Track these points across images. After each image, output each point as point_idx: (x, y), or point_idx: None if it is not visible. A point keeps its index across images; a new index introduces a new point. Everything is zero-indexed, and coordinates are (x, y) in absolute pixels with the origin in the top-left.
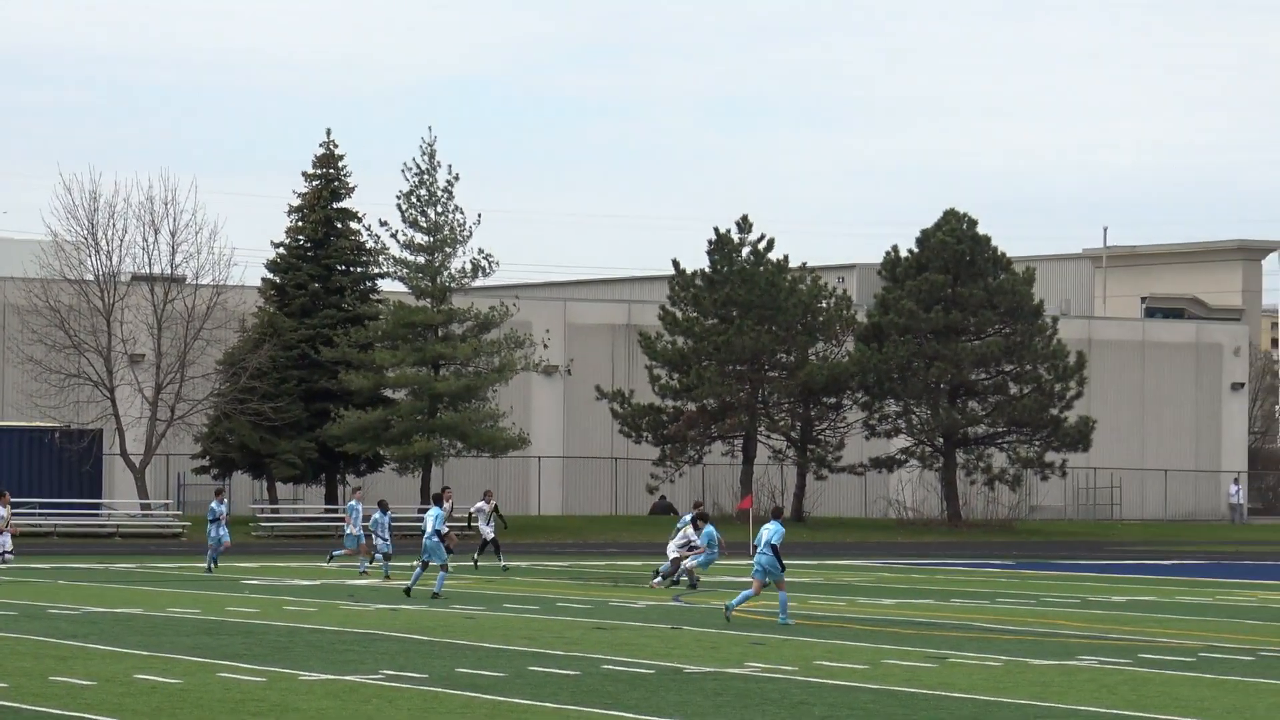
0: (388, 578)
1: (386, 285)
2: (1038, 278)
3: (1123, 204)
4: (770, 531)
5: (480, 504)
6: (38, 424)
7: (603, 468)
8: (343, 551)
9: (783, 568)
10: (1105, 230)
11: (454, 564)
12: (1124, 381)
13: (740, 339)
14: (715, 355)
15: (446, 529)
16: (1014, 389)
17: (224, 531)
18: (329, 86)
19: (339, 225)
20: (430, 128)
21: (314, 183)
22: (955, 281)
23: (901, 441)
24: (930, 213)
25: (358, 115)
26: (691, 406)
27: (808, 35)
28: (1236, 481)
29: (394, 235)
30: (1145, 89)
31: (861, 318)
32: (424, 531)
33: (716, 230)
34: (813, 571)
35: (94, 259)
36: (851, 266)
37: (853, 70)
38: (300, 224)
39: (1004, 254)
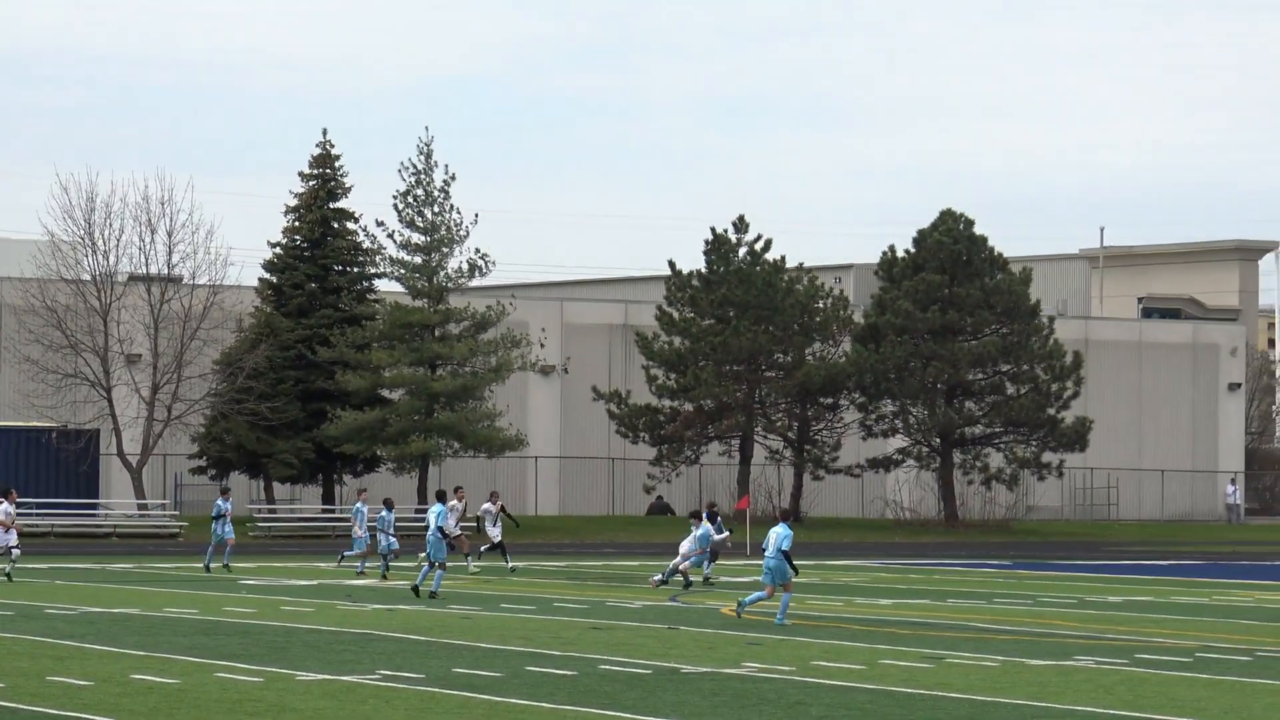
0: (385, 577)
1: (383, 285)
2: (1035, 278)
3: (1121, 204)
4: (779, 536)
5: (487, 505)
6: (35, 424)
7: (600, 468)
8: (352, 553)
9: (795, 571)
10: (1102, 230)
11: (452, 564)
12: (1121, 382)
13: (737, 339)
14: (712, 356)
15: (459, 532)
16: (1011, 389)
17: (229, 530)
18: (327, 86)
19: (336, 225)
20: (427, 127)
21: (311, 183)
22: (952, 282)
23: (898, 442)
24: (930, 213)
25: (357, 115)
26: (688, 407)
27: (808, 35)
28: (1233, 482)
29: (391, 235)
30: (1145, 89)
31: (858, 318)
32: (428, 526)
33: (713, 230)
34: (810, 572)
35: (91, 259)
36: (848, 267)
37: (853, 70)
38: (297, 224)
39: (1001, 254)
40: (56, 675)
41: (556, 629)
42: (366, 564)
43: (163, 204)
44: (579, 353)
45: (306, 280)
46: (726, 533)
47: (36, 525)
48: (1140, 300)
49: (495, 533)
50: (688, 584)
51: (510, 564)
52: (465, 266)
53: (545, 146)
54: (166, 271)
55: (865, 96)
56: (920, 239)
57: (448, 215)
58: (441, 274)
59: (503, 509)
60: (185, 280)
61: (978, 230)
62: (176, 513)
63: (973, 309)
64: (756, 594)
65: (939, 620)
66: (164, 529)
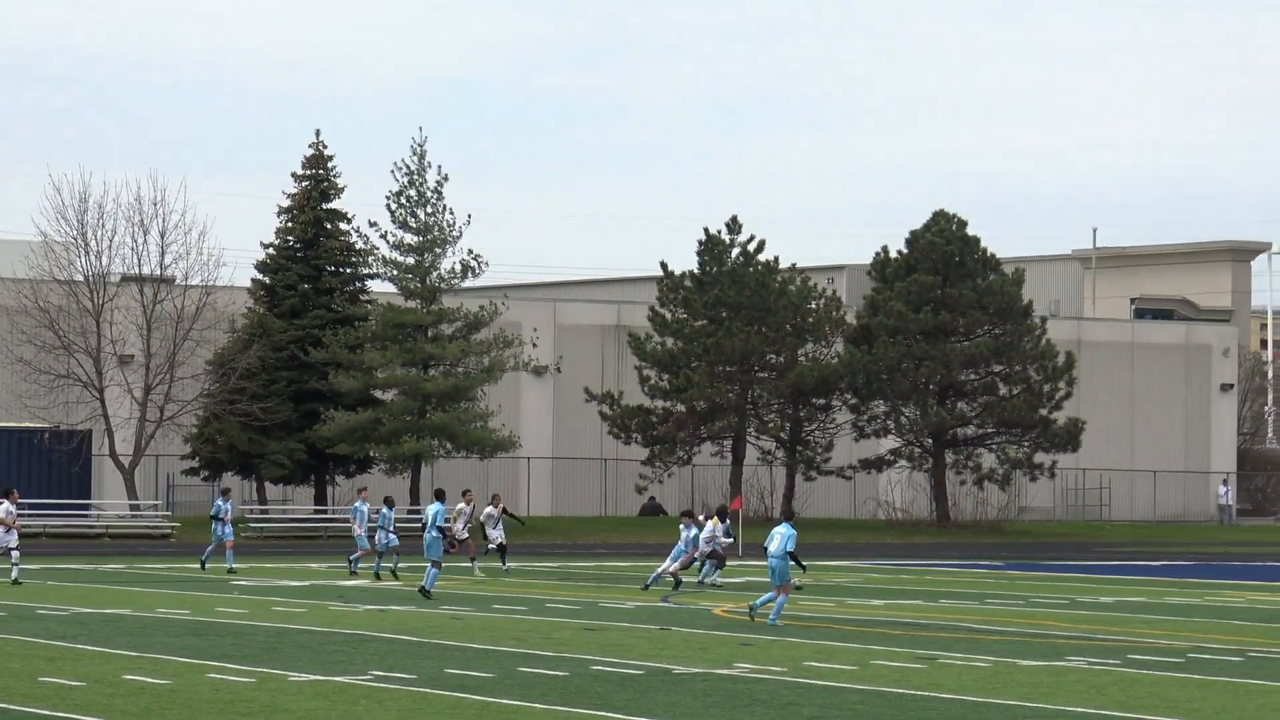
0: (378, 578)
1: (376, 286)
2: (1027, 279)
3: (1116, 205)
4: (784, 536)
5: (489, 509)
6: (27, 425)
7: (592, 469)
8: (357, 554)
9: (804, 569)
10: (1094, 231)
11: (454, 565)
12: (1113, 382)
13: (729, 340)
14: (704, 356)
15: (466, 535)
16: (1003, 390)
17: (228, 531)
18: (325, 87)
19: (329, 226)
20: (420, 128)
21: (304, 183)
22: (944, 282)
23: (891, 442)
24: (926, 213)
25: (355, 116)
26: (681, 407)
27: (807, 35)
28: (1225, 482)
29: (384, 236)
30: (1144, 89)
31: (851, 319)
32: (424, 525)
33: (706, 231)
34: (801, 573)
35: (83, 259)
36: (841, 268)
37: (852, 70)
38: (290, 225)
39: (993, 255)
40: (48, 676)
41: (549, 630)
42: (360, 564)
43: (155, 204)
44: (571, 353)
45: (299, 281)
46: (730, 539)
47: (29, 526)
48: (1133, 301)
49: (496, 535)
50: (677, 584)
51: (505, 565)
52: (458, 267)
53: (544, 146)
54: (159, 272)
55: (864, 96)
56: (913, 240)
57: (440, 216)
58: (434, 274)
59: (504, 510)
60: (178, 281)
61: (970, 231)
62: (169, 513)
63: (965, 310)
64: (766, 595)
65: (931, 621)
66: (156, 530)
